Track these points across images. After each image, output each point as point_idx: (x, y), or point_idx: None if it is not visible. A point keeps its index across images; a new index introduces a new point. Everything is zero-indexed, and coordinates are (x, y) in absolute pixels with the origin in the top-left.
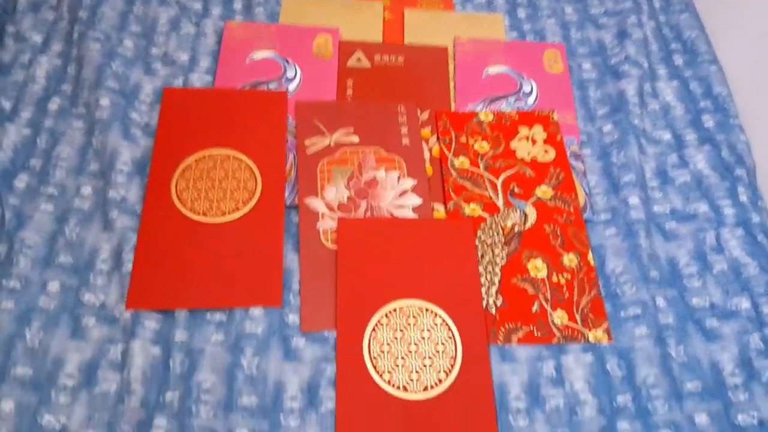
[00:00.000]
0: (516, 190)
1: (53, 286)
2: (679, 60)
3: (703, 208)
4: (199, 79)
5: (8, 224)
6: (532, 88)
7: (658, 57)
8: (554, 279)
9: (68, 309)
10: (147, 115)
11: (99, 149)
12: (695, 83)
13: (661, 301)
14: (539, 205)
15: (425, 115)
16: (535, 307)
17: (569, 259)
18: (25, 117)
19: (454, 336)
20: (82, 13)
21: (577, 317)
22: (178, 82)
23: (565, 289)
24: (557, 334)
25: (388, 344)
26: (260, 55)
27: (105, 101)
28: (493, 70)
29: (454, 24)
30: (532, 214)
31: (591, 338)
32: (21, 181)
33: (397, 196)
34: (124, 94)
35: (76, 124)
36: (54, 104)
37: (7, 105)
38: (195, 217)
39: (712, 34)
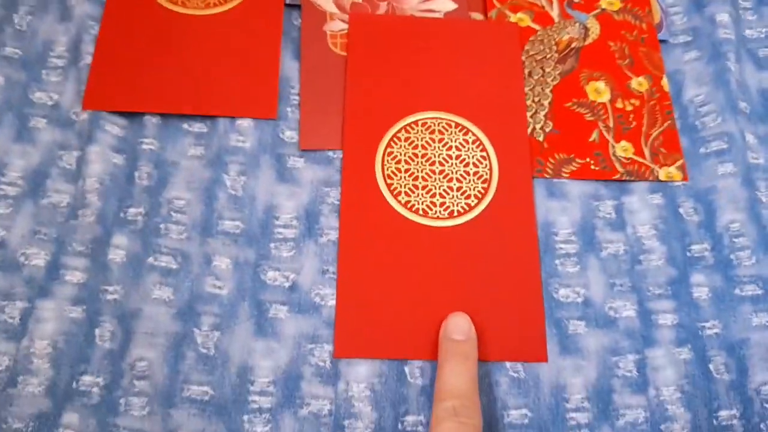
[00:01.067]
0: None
1: None
2: None
3: None
4: None
5: None
6: None
7: None
8: (619, 105)
9: (14, 107)
10: None
11: None
12: None
13: (751, 138)
14: (604, 18)
15: None
16: (593, 137)
17: (639, 83)
18: None
19: (489, 156)
20: None
21: (646, 151)
22: None
23: (632, 117)
24: (620, 169)
25: (406, 162)
26: None
27: None
28: None
29: None
30: (594, 28)
31: (662, 176)
32: None
33: None
34: None
35: None
36: None
37: None
38: (172, 7)
39: None
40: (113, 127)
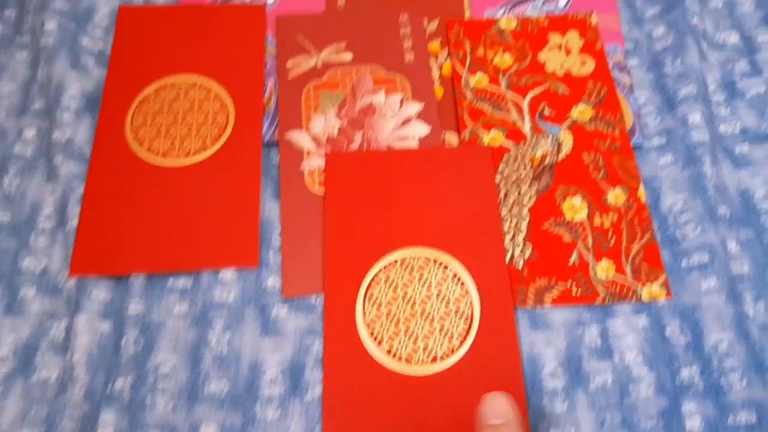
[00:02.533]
0: (546, 111)
1: None
2: None
3: None
4: None
5: None
6: None
7: None
8: (596, 221)
9: (3, 278)
10: (101, 42)
11: (44, 83)
12: None
13: (733, 245)
14: (576, 129)
15: (433, 26)
16: (573, 259)
17: (615, 196)
18: None
19: (469, 293)
20: None
21: (627, 269)
22: (139, 0)
23: (610, 233)
24: (602, 291)
25: (387, 305)
26: None
27: (51, 25)
28: None
29: None
30: (567, 141)
31: (645, 295)
32: None
33: (400, 125)
34: (74, 17)
35: (20, 56)
36: None
37: None
38: (154, 160)
39: None
40: (100, 293)
